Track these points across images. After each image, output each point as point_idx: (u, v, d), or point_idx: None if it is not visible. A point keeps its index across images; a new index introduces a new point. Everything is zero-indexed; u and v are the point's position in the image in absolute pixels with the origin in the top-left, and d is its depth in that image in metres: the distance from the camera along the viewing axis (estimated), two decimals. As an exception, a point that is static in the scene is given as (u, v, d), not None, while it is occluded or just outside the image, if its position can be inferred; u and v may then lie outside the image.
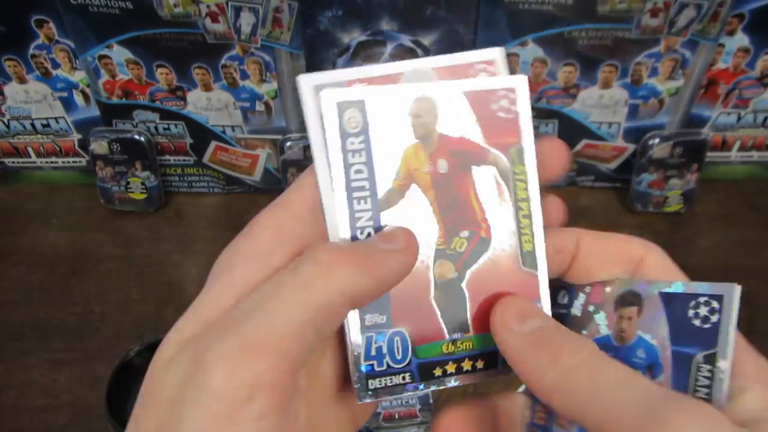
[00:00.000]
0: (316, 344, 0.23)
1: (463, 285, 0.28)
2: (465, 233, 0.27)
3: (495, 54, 0.28)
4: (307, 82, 0.26)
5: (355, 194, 0.26)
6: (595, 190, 0.77)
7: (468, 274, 0.28)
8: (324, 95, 0.26)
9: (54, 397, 0.61)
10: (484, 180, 0.28)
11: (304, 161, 0.70)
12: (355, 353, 0.27)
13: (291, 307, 0.22)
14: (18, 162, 0.77)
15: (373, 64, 0.27)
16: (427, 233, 0.27)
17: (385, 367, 0.27)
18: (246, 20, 0.62)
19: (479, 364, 0.28)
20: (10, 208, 0.76)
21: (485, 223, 0.28)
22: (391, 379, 0.27)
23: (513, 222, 0.28)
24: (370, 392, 0.27)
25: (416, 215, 0.27)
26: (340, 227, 0.26)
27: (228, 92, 0.68)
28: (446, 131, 0.27)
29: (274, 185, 0.75)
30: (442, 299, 0.27)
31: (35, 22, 0.64)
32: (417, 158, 0.27)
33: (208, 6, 0.60)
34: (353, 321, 0.26)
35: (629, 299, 0.26)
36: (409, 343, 0.27)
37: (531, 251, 0.28)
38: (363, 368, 0.27)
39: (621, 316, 0.27)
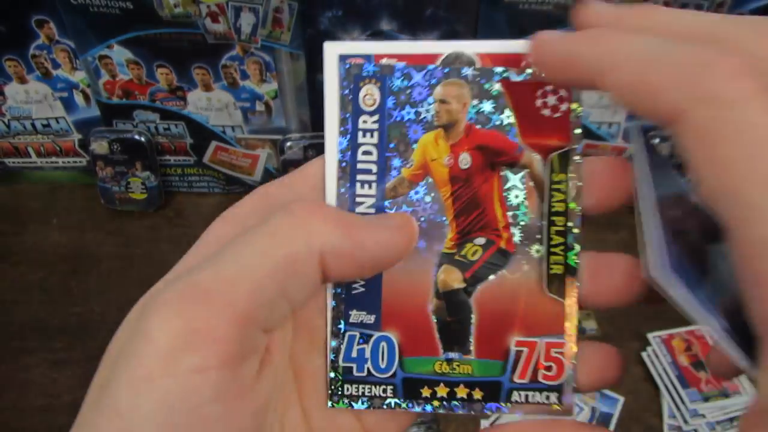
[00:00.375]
0: (281, 304, 0.21)
1: (471, 300, 0.24)
2: (481, 240, 0.24)
3: None
4: (332, 49, 0.24)
5: (360, 177, 0.24)
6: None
7: (479, 287, 0.24)
8: (343, 65, 0.24)
9: (54, 397, 0.61)
10: (513, 184, 0.24)
11: (304, 161, 0.70)
12: (333, 349, 0.24)
13: (248, 255, 0.20)
14: (18, 162, 0.77)
15: (411, 41, 0.24)
16: (435, 233, 0.24)
17: (365, 374, 0.24)
18: (246, 20, 0.62)
19: (477, 394, 0.24)
20: (10, 208, 0.76)
21: (507, 232, 0.24)
22: (370, 388, 0.24)
23: (542, 237, 0.24)
24: (344, 397, 0.24)
25: (425, 211, 0.24)
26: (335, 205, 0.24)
27: (228, 92, 0.68)
28: (476, 122, 0.24)
29: (274, 185, 0.75)
30: (442, 310, 0.24)
31: (36, 22, 0.64)
32: (436, 148, 0.24)
33: (208, 6, 0.60)
34: (335, 312, 0.24)
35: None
36: (397, 352, 0.24)
37: (560, 275, 0.24)
38: (340, 368, 0.24)
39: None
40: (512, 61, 0.24)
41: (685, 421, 0.57)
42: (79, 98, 0.71)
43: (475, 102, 0.24)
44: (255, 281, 0.20)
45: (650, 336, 0.62)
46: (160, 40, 0.63)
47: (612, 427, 0.58)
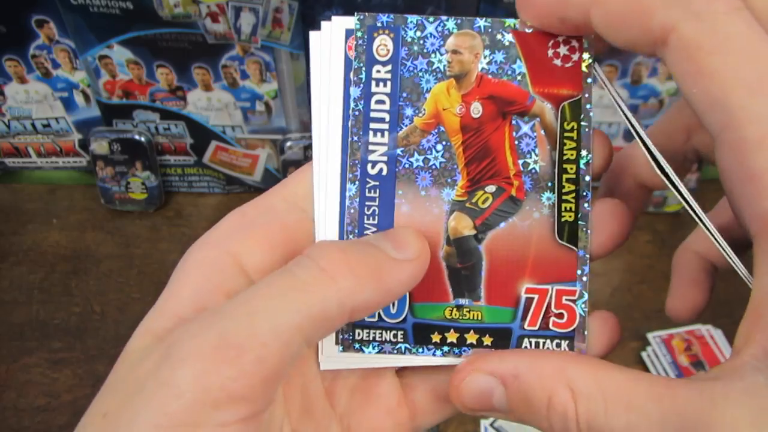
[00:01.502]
0: (303, 351, 0.21)
1: (482, 246, 0.24)
2: (491, 188, 0.24)
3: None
4: (340, 23, 0.24)
5: (373, 125, 0.24)
6: (594, 190, 0.77)
7: (489, 234, 0.24)
8: (357, 16, 0.24)
9: (54, 397, 0.61)
10: (524, 132, 0.24)
11: (304, 161, 0.70)
12: None
13: (280, 310, 0.20)
14: (18, 162, 0.77)
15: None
16: (446, 181, 0.24)
17: (375, 319, 0.24)
18: (246, 20, 0.62)
19: (486, 340, 0.24)
20: (10, 208, 0.76)
21: (518, 180, 0.24)
22: (380, 333, 0.24)
23: (553, 185, 0.24)
24: (354, 342, 0.24)
25: (436, 159, 0.24)
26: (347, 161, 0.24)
27: (228, 92, 0.68)
28: (487, 73, 0.24)
29: (274, 185, 0.75)
30: (453, 257, 0.24)
31: (35, 22, 0.64)
32: (448, 97, 0.24)
33: (208, 6, 0.60)
34: None
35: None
36: (407, 298, 0.24)
37: (572, 222, 0.24)
38: None
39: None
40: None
41: (685, 421, 0.57)
42: (79, 98, 0.71)
43: (486, 52, 0.24)
44: (284, 338, 0.20)
45: (650, 336, 0.62)
46: (160, 40, 0.63)
47: (612, 427, 0.58)
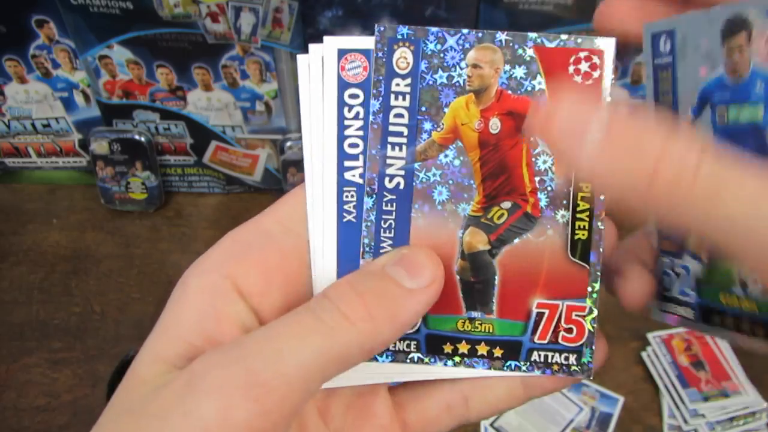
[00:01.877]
0: (319, 389, 0.22)
1: (495, 261, 0.25)
2: (507, 204, 0.25)
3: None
4: (331, 44, 0.24)
5: (391, 139, 0.24)
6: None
7: (503, 250, 0.25)
8: (377, 28, 0.24)
9: (54, 397, 0.61)
10: (542, 149, 0.24)
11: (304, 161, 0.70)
12: None
13: (305, 351, 0.21)
14: (18, 162, 0.77)
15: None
16: (463, 196, 0.25)
17: None
18: (246, 20, 0.62)
19: (497, 352, 0.25)
20: (10, 208, 0.76)
21: (534, 197, 0.25)
22: (394, 343, 0.25)
23: (568, 203, 0.25)
24: None
25: (453, 174, 0.24)
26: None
27: (228, 92, 0.68)
28: (507, 88, 0.24)
29: (274, 185, 0.75)
30: (467, 271, 0.25)
31: (35, 22, 0.64)
32: (467, 112, 0.24)
33: (208, 6, 0.60)
34: None
35: (735, 25, 0.21)
36: None
37: (584, 240, 0.25)
38: None
39: (730, 47, 0.21)
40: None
41: (685, 421, 0.57)
42: (79, 98, 0.71)
43: (507, 67, 0.24)
44: (307, 377, 0.21)
45: (650, 336, 0.62)
46: (160, 40, 0.63)
47: (612, 427, 0.58)
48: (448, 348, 0.25)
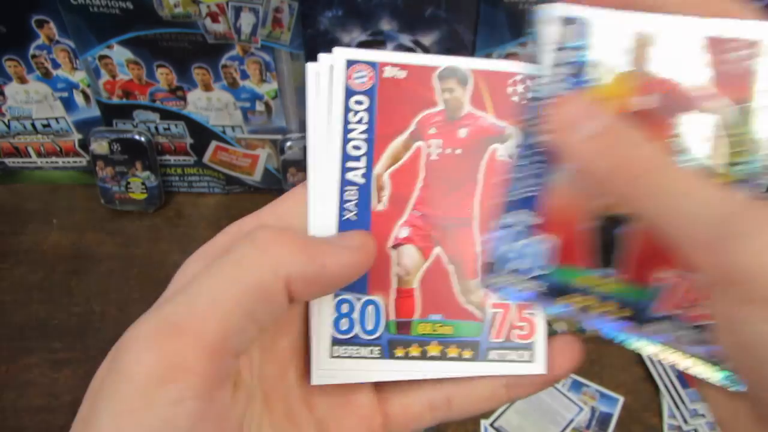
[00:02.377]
0: (250, 329, 0.21)
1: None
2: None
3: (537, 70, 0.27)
4: (341, 54, 0.26)
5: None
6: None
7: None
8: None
9: (54, 397, 0.61)
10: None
11: (304, 161, 0.70)
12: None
13: (217, 286, 0.21)
14: (18, 162, 0.77)
15: (413, 54, 0.27)
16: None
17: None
18: (246, 20, 0.62)
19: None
20: (10, 208, 0.76)
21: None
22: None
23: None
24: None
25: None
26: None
27: (228, 92, 0.68)
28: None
29: (274, 185, 0.75)
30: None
31: (35, 22, 0.64)
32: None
33: (208, 6, 0.60)
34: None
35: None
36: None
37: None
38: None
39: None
40: (502, 78, 0.27)
41: (685, 421, 0.57)
42: (79, 98, 0.71)
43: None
44: (224, 311, 0.20)
45: (650, 336, 0.62)
46: (160, 40, 0.63)
47: (612, 427, 0.58)
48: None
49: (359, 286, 0.26)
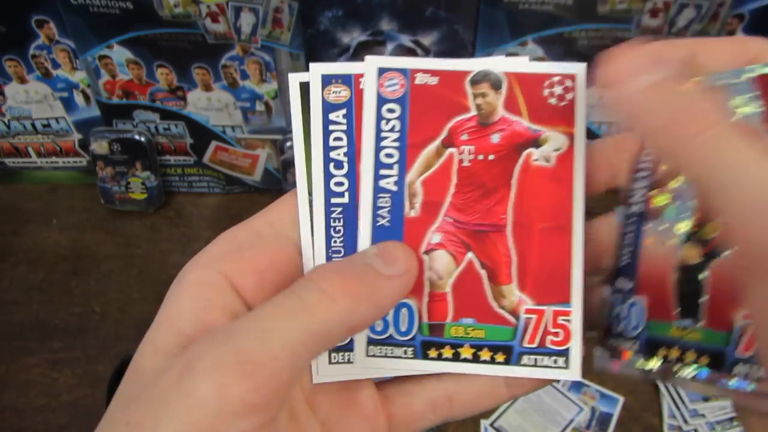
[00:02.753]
0: (307, 366, 0.23)
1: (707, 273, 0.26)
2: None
3: (576, 69, 0.27)
4: (373, 62, 0.27)
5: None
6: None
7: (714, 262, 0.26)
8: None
9: (54, 397, 0.61)
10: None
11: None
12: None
13: (290, 329, 0.22)
14: (18, 162, 0.77)
15: (445, 59, 0.27)
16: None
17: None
18: (246, 20, 0.62)
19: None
20: (10, 208, 0.76)
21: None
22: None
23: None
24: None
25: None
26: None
27: (228, 92, 0.68)
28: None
29: (274, 185, 0.75)
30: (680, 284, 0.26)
31: (36, 22, 0.64)
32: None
33: (208, 6, 0.60)
34: None
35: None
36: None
37: None
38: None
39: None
40: (537, 80, 0.27)
41: (685, 421, 0.57)
42: (79, 98, 0.71)
43: None
44: (294, 354, 0.22)
45: (650, 336, 0.62)
46: (160, 40, 0.63)
47: (612, 427, 0.58)
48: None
49: None
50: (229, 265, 0.25)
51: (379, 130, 0.27)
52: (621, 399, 0.59)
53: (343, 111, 0.27)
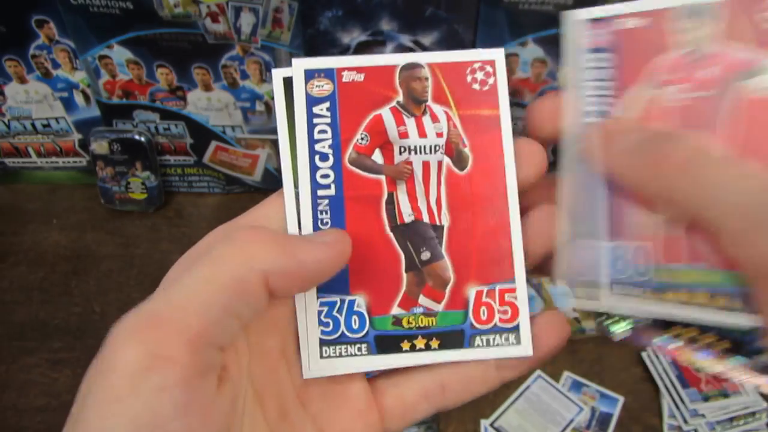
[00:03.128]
0: (231, 323, 0.23)
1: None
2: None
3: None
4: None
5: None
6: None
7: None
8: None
9: (54, 397, 0.61)
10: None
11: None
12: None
13: (196, 282, 0.22)
14: (18, 162, 0.77)
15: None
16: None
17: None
18: (246, 20, 0.62)
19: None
20: (10, 208, 0.76)
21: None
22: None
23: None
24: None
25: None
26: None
27: (228, 92, 0.68)
28: None
29: (274, 185, 0.75)
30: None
31: (36, 22, 0.64)
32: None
33: (208, 6, 0.60)
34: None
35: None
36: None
37: None
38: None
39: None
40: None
41: (685, 421, 0.58)
42: (79, 98, 0.71)
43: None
44: (202, 304, 0.22)
45: (650, 336, 0.62)
46: (160, 40, 0.63)
47: (612, 427, 0.58)
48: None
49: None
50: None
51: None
52: (621, 399, 0.59)
53: (327, 104, 0.27)
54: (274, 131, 0.73)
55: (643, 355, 0.62)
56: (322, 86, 0.27)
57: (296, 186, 0.27)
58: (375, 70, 0.28)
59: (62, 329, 0.65)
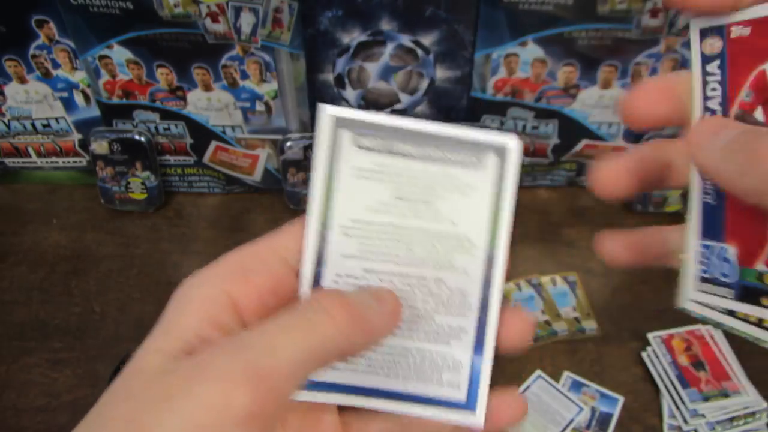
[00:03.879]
0: (303, 382, 0.25)
1: None
2: None
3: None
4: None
5: None
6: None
7: None
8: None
9: (54, 397, 0.61)
10: None
11: (304, 161, 0.70)
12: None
13: (294, 345, 0.24)
14: (18, 162, 0.77)
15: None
16: None
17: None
18: (246, 20, 0.62)
19: None
20: (10, 208, 0.76)
21: None
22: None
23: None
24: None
25: None
26: None
27: (228, 92, 0.68)
28: None
29: (274, 185, 0.75)
30: None
31: (35, 22, 0.64)
32: None
33: (208, 6, 0.60)
34: None
35: None
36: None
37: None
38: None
39: None
40: None
41: (685, 421, 0.57)
42: (79, 98, 0.71)
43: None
44: (295, 371, 0.23)
45: (650, 336, 0.62)
46: (160, 40, 0.63)
47: (612, 427, 0.58)
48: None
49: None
50: (232, 286, 0.26)
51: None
52: (621, 399, 0.59)
53: (717, 62, 0.27)
54: (274, 131, 0.73)
55: (643, 355, 0.62)
56: (714, 43, 0.27)
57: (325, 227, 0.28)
58: (762, 22, 0.26)
59: (62, 329, 0.65)
